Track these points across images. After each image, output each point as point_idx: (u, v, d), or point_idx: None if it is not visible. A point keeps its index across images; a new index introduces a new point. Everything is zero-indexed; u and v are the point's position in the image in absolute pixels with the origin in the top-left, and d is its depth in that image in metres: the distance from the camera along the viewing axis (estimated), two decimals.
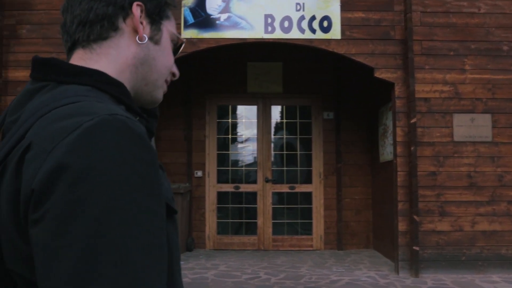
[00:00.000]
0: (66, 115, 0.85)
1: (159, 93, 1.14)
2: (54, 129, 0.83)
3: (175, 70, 1.19)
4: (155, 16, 1.12)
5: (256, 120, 9.44)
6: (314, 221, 9.13)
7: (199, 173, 9.23)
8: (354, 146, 9.25)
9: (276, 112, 9.51)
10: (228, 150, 9.46)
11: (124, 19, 1.08)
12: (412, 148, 6.89)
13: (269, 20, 7.25)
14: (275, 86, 9.40)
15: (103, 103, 0.91)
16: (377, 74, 7.15)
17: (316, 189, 9.19)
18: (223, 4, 7.31)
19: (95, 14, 1.06)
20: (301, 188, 9.26)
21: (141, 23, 1.09)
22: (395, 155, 7.06)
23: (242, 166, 9.43)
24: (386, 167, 8.05)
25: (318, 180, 9.19)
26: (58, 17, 7.27)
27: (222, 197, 9.30)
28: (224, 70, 9.41)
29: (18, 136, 0.88)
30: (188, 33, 7.24)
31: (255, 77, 9.44)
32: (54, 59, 1.00)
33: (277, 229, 9.19)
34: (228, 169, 9.39)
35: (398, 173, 6.98)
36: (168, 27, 1.15)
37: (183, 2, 7.27)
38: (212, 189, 9.23)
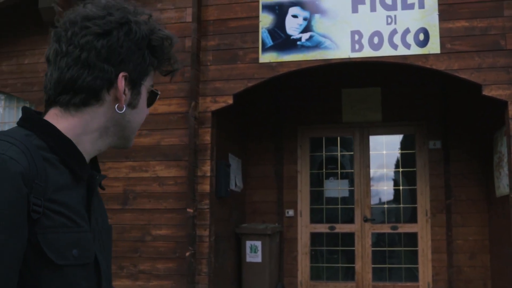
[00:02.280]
0: None
1: (131, 142, 1.34)
2: None
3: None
4: (137, 80, 1.27)
5: (353, 152, 8.52)
6: (420, 266, 7.95)
7: (291, 212, 8.41)
8: (466, 179, 8.03)
9: (375, 142, 8.54)
10: (322, 187, 8.58)
11: (108, 90, 1.24)
12: None
13: (356, 37, 6.40)
14: (373, 114, 8.46)
15: (12, 145, 1.10)
16: (486, 92, 6.05)
17: (422, 229, 8.04)
18: (304, 23, 6.56)
19: (82, 84, 1.22)
20: (405, 228, 8.15)
21: (124, 93, 1.25)
22: (511, 187, 5.88)
23: (337, 204, 8.49)
24: (503, 203, 6.80)
25: (424, 219, 8.05)
26: None
27: (316, 238, 8.41)
28: (317, 99, 8.61)
29: None
30: (267, 57, 6.55)
31: (351, 105, 8.55)
32: (28, 110, 1.24)
33: (378, 274, 8.10)
34: (323, 208, 8.50)
35: None
36: (146, 84, 1.30)
37: (260, 24, 6.62)
38: (304, 229, 8.36)
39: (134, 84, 1.26)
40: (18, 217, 1.06)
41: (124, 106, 1.25)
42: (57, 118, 1.23)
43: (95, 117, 1.24)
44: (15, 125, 1.24)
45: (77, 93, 1.21)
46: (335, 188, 8.56)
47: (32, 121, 1.21)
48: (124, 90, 1.24)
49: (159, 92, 1.35)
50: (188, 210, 6.29)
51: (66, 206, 1.16)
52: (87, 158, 1.27)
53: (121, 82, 1.23)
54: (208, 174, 6.46)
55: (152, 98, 1.33)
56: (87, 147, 1.26)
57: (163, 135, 6.58)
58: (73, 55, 1.21)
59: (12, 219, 1.05)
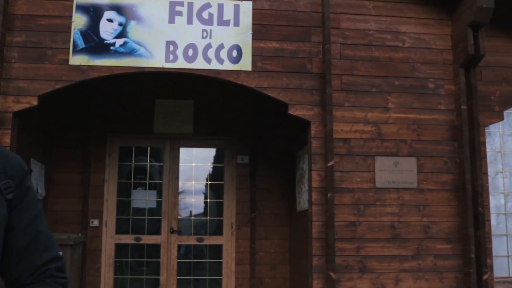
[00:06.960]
0: None
1: None
2: None
3: None
4: None
5: (162, 163, 8.46)
6: (224, 278, 8.10)
7: (96, 222, 8.09)
8: (271, 194, 8.36)
9: (185, 154, 8.56)
10: (130, 197, 8.39)
11: None
12: (329, 194, 6.05)
13: (171, 48, 6.37)
14: (185, 126, 8.48)
15: None
16: (292, 111, 6.34)
17: (227, 241, 8.21)
18: (119, 28, 6.38)
19: None
20: (211, 240, 8.26)
21: None
22: (310, 202, 6.20)
23: (144, 215, 8.35)
24: (303, 217, 7.18)
25: (229, 232, 8.22)
26: None
27: (121, 249, 8.17)
28: (129, 108, 8.42)
29: None
30: (77, 60, 6.24)
31: (163, 116, 8.49)
32: None
33: (183, 286, 8.08)
34: (129, 218, 8.30)
35: (313, 223, 6.11)
36: None
37: (73, 25, 6.31)
38: (109, 240, 8.10)
39: None
40: None
41: None
42: None
43: None
44: None
45: None
46: (142, 199, 8.41)
47: None
48: None
49: None
50: None
51: None
52: None
53: None
54: None
55: None
56: None
57: None
58: None
59: None
